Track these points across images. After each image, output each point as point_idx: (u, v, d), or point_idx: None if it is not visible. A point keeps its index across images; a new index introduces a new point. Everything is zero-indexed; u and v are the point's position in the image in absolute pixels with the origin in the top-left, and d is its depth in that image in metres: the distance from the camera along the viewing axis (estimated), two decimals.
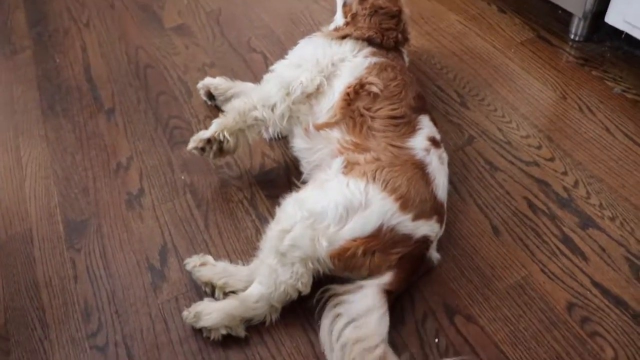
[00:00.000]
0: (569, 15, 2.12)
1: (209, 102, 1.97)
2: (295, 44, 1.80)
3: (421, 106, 1.54)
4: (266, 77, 1.68)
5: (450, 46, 2.15)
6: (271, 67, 1.73)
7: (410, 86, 1.56)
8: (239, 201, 1.68)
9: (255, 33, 2.30)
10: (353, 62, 1.59)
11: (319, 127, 1.53)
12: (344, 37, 1.66)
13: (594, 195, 1.62)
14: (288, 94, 1.56)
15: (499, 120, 1.85)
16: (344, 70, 1.57)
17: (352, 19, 1.70)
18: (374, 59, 1.59)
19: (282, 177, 1.73)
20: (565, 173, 1.68)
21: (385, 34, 1.68)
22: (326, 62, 1.59)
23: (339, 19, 1.78)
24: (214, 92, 1.93)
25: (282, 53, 2.12)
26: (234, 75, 2.07)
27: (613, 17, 1.95)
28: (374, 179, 1.33)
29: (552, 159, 1.72)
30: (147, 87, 2.11)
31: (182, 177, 1.77)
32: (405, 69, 1.64)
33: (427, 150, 1.43)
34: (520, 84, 1.97)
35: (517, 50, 2.12)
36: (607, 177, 1.66)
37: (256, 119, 1.57)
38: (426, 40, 2.19)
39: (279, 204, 1.46)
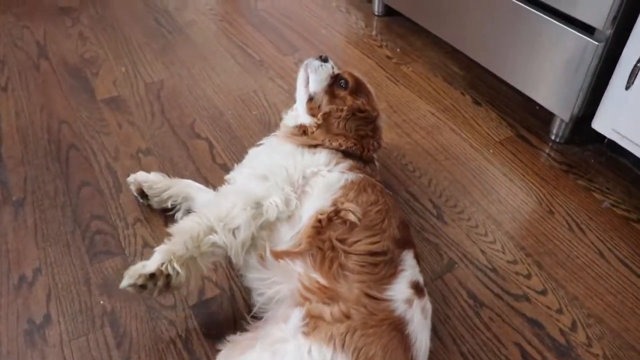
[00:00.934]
0: (550, 114, 1.94)
1: (141, 200, 1.64)
2: (246, 129, 1.56)
3: (406, 238, 1.26)
4: (224, 190, 1.37)
5: (423, 143, 1.92)
6: (229, 176, 1.43)
7: (394, 211, 1.29)
8: (170, 341, 1.33)
9: (200, 114, 2.00)
10: (327, 178, 1.31)
11: (278, 255, 1.23)
12: (316, 146, 1.39)
13: (595, 342, 1.37)
14: (255, 216, 1.25)
15: (482, 240, 1.60)
16: (316, 187, 1.29)
17: (323, 120, 1.44)
18: (352, 176, 1.32)
19: (225, 309, 1.40)
20: (560, 311, 1.44)
21: (364, 143, 1.43)
22: (297, 176, 1.31)
23: (302, 116, 1.51)
24: (148, 192, 1.60)
25: (230, 141, 1.84)
26: (172, 166, 1.76)
27: (600, 124, 1.77)
28: (342, 346, 1.03)
29: (544, 292, 1.48)
30: (69, 174, 1.75)
31: (101, 302, 1.41)
32: (383, 188, 1.37)
33: (409, 303, 1.15)
34: (502, 193, 1.75)
35: (495, 150, 1.91)
36: (608, 316, 1.43)
37: (214, 244, 1.23)
38: (396, 134, 1.95)
39: (218, 351, 1.14)
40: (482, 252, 1.57)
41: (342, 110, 1.44)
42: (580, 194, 1.77)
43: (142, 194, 1.62)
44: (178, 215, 1.58)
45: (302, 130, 1.46)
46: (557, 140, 1.96)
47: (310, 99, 1.50)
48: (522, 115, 2.07)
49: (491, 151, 1.91)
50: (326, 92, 1.49)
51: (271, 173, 1.31)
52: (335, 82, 1.50)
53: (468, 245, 1.58)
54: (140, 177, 1.61)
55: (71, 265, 1.49)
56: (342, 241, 1.19)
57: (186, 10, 2.66)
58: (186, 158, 1.81)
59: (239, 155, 1.81)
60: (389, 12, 2.62)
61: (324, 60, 1.53)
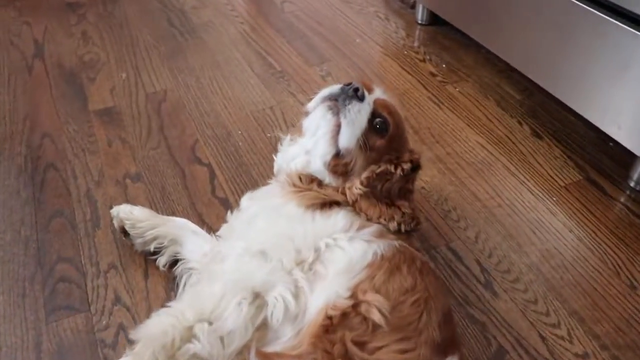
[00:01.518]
0: (630, 155, 1.56)
1: (124, 237, 1.34)
2: (257, 155, 1.33)
3: (449, 338, 0.92)
4: (209, 270, 1.05)
5: (471, 183, 1.56)
6: (216, 241, 1.12)
7: (436, 300, 0.94)
8: None
9: (204, 133, 1.69)
10: (347, 252, 0.97)
11: (266, 358, 0.89)
12: (331, 205, 1.05)
13: None
14: (254, 316, 0.91)
15: (542, 321, 1.24)
16: (332, 266, 0.95)
17: (367, 188, 1.10)
18: (382, 247, 0.98)
19: None
20: None
21: (403, 209, 1.11)
22: (308, 251, 0.97)
23: (319, 169, 1.15)
24: (130, 231, 1.30)
25: (236, 169, 1.52)
26: (163, 197, 1.45)
27: None
28: None
29: None
30: (41, 200, 1.47)
31: None
32: (425, 261, 1.03)
33: None
34: (568, 257, 1.38)
35: (560, 198, 1.54)
36: None
37: (195, 356, 0.89)
38: (437, 171, 1.60)
39: None
40: (542, 338, 1.21)
41: (391, 173, 1.11)
42: None
43: (125, 231, 1.31)
44: (160, 260, 1.28)
45: (313, 182, 1.12)
46: (638, 187, 1.58)
47: (338, 155, 1.13)
48: (593, 153, 1.69)
49: (555, 199, 1.54)
50: (361, 144, 1.11)
51: (273, 248, 0.97)
52: (370, 125, 1.12)
53: (524, 327, 1.22)
54: (123, 212, 1.31)
55: (23, 322, 1.20)
56: (360, 345, 0.85)
57: (204, 10, 2.36)
58: (181, 188, 1.50)
59: (244, 188, 1.49)
60: (434, 20, 2.27)
61: (361, 96, 1.11)
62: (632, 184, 1.59)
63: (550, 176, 1.61)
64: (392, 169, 1.12)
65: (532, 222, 1.46)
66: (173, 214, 1.42)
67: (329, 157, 1.12)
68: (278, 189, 1.13)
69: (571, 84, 1.64)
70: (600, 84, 1.54)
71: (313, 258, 0.95)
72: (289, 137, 1.27)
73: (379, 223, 1.07)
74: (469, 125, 1.77)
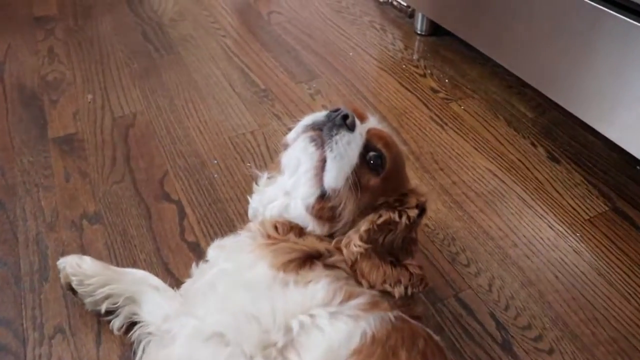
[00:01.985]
0: None
1: (73, 295, 1.13)
2: (234, 189, 1.24)
3: None
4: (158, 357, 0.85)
5: (482, 219, 1.35)
6: (181, 291, 0.92)
7: None
8: None
9: (175, 164, 1.48)
10: (327, 332, 0.75)
11: None
12: (311, 265, 0.84)
13: None
14: None
15: None
16: (307, 351, 0.74)
17: (368, 246, 0.89)
18: (373, 323, 0.77)
19: None
20: None
21: (411, 268, 0.91)
22: (277, 332, 0.76)
23: (300, 213, 0.94)
24: (78, 288, 1.10)
25: (210, 207, 1.32)
26: (124, 243, 1.25)
27: None
28: None
29: None
30: None
31: None
32: (429, 336, 0.81)
33: None
34: (599, 307, 1.17)
35: (584, 234, 1.33)
36: None
37: None
38: (442, 204, 1.39)
39: None
40: None
41: (395, 223, 0.91)
42: None
43: (72, 287, 1.11)
44: (115, 323, 1.08)
45: (291, 230, 0.91)
46: None
47: (323, 196, 0.92)
48: (618, 178, 1.48)
49: (579, 235, 1.33)
50: (352, 184, 0.91)
51: (232, 328, 0.76)
52: (362, 161, 0.92)
53: None
54: (70, 266, 1.11)
55: None
56: None
57: (183, 23, 2.16)
58: (145, 230, 1.29)
59: (217, 230, 1.28)
60: (435, 30, 2.07)
61: (351, 125, 0.91)
62: None
63: (572, 207, 1.40)
64: (396, 217, 0.91)
65: (554, 264, 1.25)
66: (134, 263, 1.22)
67: (312, 199, 0.92)
68: (249, 241, 0.92)
69: (590, 100, 1.43)
70: (624, 100, 1.33)
71: (283, 342, 0.74)
72: (266, 174, 1.06)
73: (381, 290, 0.86)
74: (476, 149, 1.56)
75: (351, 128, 0.91)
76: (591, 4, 1.33)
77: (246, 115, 1.65)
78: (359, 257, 0.88)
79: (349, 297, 0.79)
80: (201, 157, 1.50)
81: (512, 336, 1.11)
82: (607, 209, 1.40)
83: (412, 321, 0.81)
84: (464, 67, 1.92)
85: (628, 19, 1.26)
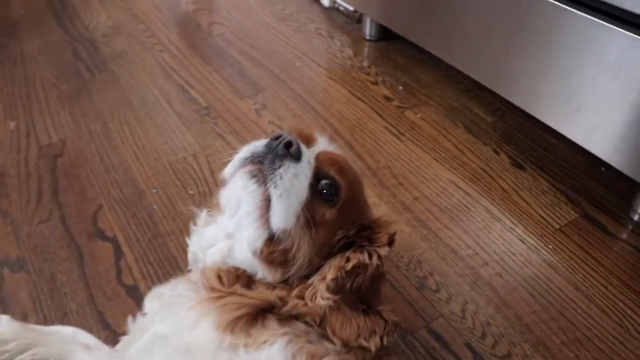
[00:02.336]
0: (630, 183, 1.30)
1: None
2: (176, 222, 1.11)
3: None
4: None
5: (449, 237, 1.26)
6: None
7: None
8: None
9: (110, 196, 1.33)
10: None
11: None
12: (264, 316, 0.72)
13: None
14: None
15: None
16: None
17: (286, 266, 0.79)
18: None
19: None
20: None
21: (384, 314, 0.81)
22: None
23: (246, 258, 0.81)
24: None
25: (149, 242, 1.20)
26: (52, 290, 1.10)
27: None
28: None
29: None
30: None
31: None
32: None
33: None
34: (581, 326, 1.09)
35: (557, 245, 1.25)
36: None
37: None
38: (405, 223, 1.28)
39: None
40: None
41: (365, 266, 0.78)
42: None
43: None
44: None
45: (238, 279, 0.79)
46: None
47: (272, 239, 0.78)
48: (585, 182, 1.42)
49: (551, 247, 1.25)
50: (304, 220, 0.78)
51: None
52: (314, 192, 0.80)
53: None
54: None
55: None
56: None
57: (117, 38, 2.00)
58: (77, 276, 1.14)
59: (158, 269, 1.14)
60: (384, 35, 1.98)
61: (296, 154, 0.78)
62: (635, 218, 1.32)
63: (542, 217, 1.32)
64: (366, 259, 0.79)
65: (529, 282, 1.17)
66: (64, 315, 1.06)
67: (259, 243, 0.78)
68: (189, 294, 0.78)
69: (550, 101, 1.37)
70: (586, 100, 1.26)
71: None
72: (204, 212, 0.93)
73: (354, 345, 0.74)
74: (437, 160, 1.47)
75: (296, 157, 0.78)
76: (550, 1, 1.26)
77: (187, 137, 1.51)
78: (327, 310, 0.75)
79: (309, 358, 0.67)
80: (139, 186, 1.35)
81: None
82: (577, 216, 1.33)
83: None
84: (417, 72, 1.83)
85: (589, 16, 1.19)
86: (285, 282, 0.82)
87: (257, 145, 0.79)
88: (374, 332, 0.78)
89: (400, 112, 1.65)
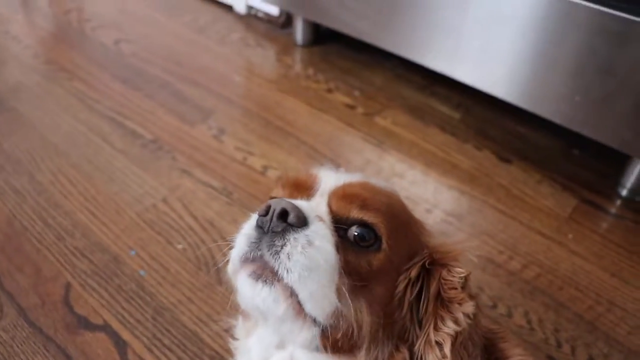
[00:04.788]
0: (611, 160, 1.34)
1: None
2: (178, 287, 0.88)
3: None
4: None
5: (480, 247, 1.17)
6: None
7: None
8: None
9: (76, 268, 1.04)
10: None
11: None
12: None
13: None
14: None
15: None
16: None
17: (357, 347, 0.61)
18: None
19: None
20: None
21: None
22: None
23: None
24: None
25: (155, 324, 0.92)
26: None
27: None
28: None
29: None
30: None
31: None
32: None
33: None
34: (633, 309, 1.06)
35: (575, 234, 1.24)
36: None
37: None
38: None
39: None
40: None
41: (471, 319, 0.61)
42: None
43: None
44: None
45: None
46: (636, 199, 1.36)
47: (326, 330, 0.59)
48: (568, 167, 1.43)
49: (571, 237, 1.23)
50: (349, 290, 0.58)
51: None
52: (345, 245, 0.60)
53: None
54: None
55: None
56: None
57: (5, 68, 1.62)
58: None
59: (182, 353, 0.90)
60: (315, 39, 1.85)
61: (299, 220, 0.57)
62: (624, 193, 1.36)
63: (550, 208, 1.30)
64: (469, 312, 0.61)
65: (570, 277, 1.13)
66: None
67: (315, 342, 0.60)
68: None
69: (518, 77, 1.34)
70: (558, 73, 1.27)
71: None
72: (240, 320, 0.73)
73: None
74: (429, 166, 1.38)
75: (300, 224, 0.58)
76: None
77: (146, 179, 1.25)
78: None
79: None
80: (109, 250, 1.08)
81: None
82: (577, 201, 1.33)
83: None
84: (366, 74, 1.73)
85: None
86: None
87: (248, 232, 0.59)
88: None
89: (369, 119, 1.53)
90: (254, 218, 0.59)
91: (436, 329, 0.61)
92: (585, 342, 1.00)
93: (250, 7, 1.95)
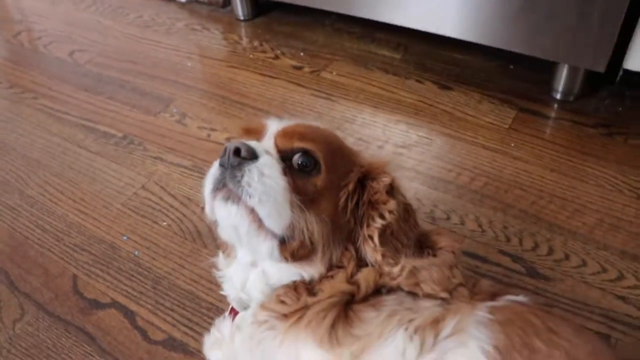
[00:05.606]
0: (539, 70, 1.46)
1: None
2: (169, 259, 1.01)
3: None
4: None
5: (430, 170, 1.31)
6: None
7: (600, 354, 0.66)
8: None
9: (80, 262, 1.18)
10: None
11: None
12: (346, 309, 0.71)
13: None
14: None
15: (607, 282, 1.05)
16: None
17: (314, 253, 0.77)
18: (478, 334, 0.64)
19: None
20: None
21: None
22: None
23: (275, 271, 0.79)
24: None
25: (156, 292, 1.07)
26: None
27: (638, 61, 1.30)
28: None
29: None
30: None
31: None
32: (534, 309, 0.72)
33: None
34: (571, 197, 1.21)
35: (517, 142, 1.37)
36: None
37: None
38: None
39: None
40: (623, 299, 1.02)
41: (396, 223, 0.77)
42: None
43: None
44: None
45: (298, 291, 0.75)
46: (570, 99, 1.48)
47: (284, 241, 0.74)
48: (505, 82, 1.56)
49: (513, 145, 1.36)
50: (297, 205, 0.73)
51: None
52: (292, 172, 0.75)
53: (599, 298, 1.02)
54: None
55: None
56: None
57: None
58: (99, 357, 1.00)
59: (183, 311, 1.05)
60: (258, 11, 1.94)
61: (249, 153, 0.73)
62: (558, 96, 1.48)
63: (491, 123, 1.43)
64: (392, 209, 0.77)
65: (515, 180, 1.27)
66: None
67: (277, 252, 0.74)
68: (268, 332, 0.73)
69: (450, 11, 1.45)
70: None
71: None
72: (220, 255, 0.88)
73: (450, 289, 0.74)
74: (377, 107, 1.50)
75: (252, 157, 0.73)
76: None
77: (124, 172, 1.37)
78: (408, 276, 0.73)
79: (434, 328, 0.66)
80: (105, 240, 1.21)
81: (530, 261, 1.09)
82: (515, 112, 1.45)
83: (497, 303, 0.71)
84: (308, 35, 1.83)
85: None
86: (331, 267, 0.77)
87: (213, 171, 0.74)
88: (452, 266, 0.78)
89: (316, 75, 1.65)
90: (214, 164, 0.74)
91: (368, 225, 0.76)
92: (530, 232, 1.14)
93: None
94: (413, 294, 0.73)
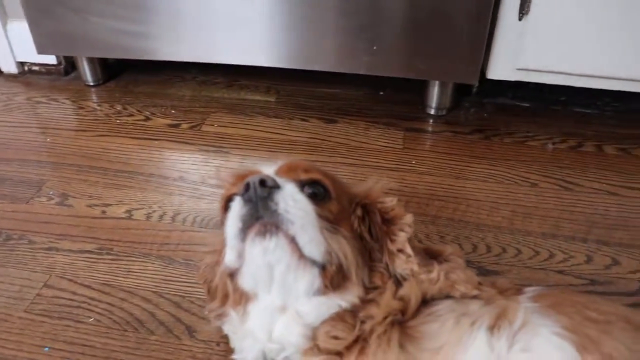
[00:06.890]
0: (410, 91, 1.61)
1: None
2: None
3: None
4: None
5: None
6: None
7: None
8: None
9: None
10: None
11: None
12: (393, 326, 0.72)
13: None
14: None
15: (546, 262, 1.16)
16: None
17: (347, 279, 0.77)
18: (548, 324, 0.66)
19: None
20: None
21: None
22: None
23: (321, 307, 0.75)
24: None
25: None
26: None
27: (498, 70, 1.51)
28: None
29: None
30: None
31: None
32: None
33: None
34: (480, 197, 1.32)
35: (416, 158, 1.46)
36: None
37: None
38: None
39: None
40: (562, 272, 1.14)
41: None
42: (522, 150, 1.50)
43: None
44: None
45: (345, 322, 0.73)
46: (442, 113, 1.63)
47: (324, 268, 0.72)
48: (382, 108, 1.66)
49: (414, 162, 1.45)
50: (327, 229, 0.73)
51: None
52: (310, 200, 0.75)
53: (545, 278, 1.13)
54: None
55: None
56: None
57: None
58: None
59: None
60: (107, 75, 1.80)
61: (275, 184, 0.71)
62: (432, 112, 1.62)
63: (386, 146, 1.51)
64: (406, 218, 0.82)
65: (425, 192, 1.35)
66: None
67: (318, 281, 0.73)
68: None
69: (315, 44, 1.52)
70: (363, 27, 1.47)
71: None
72: (233, 314, 0.80)
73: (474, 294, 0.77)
74: (271, 151, 1.49)
75: (278, 186, 0.72)
76: None
77: (14, 275, 1.14)
78: (442, 276, 0.76)
79: (506, 324, 0.67)
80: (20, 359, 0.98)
81: (477, 262, 1.15)
82: (403, 133, 1.55)
83: (532, 294, 0.75)
84: (172, 91, 1.76)
85: None
86: (368, 291, 0.78)
87: (238, 209, 0.71)
88: (466, 269, 0.81)
89: (197, 130, 1.57)
90: (236, 202, 0.71)
91: (392, 241, 0.78)
92: (465, 236, 1.21)
93: (22, 64, 1.81)
94: (454, 299, 0.74)
